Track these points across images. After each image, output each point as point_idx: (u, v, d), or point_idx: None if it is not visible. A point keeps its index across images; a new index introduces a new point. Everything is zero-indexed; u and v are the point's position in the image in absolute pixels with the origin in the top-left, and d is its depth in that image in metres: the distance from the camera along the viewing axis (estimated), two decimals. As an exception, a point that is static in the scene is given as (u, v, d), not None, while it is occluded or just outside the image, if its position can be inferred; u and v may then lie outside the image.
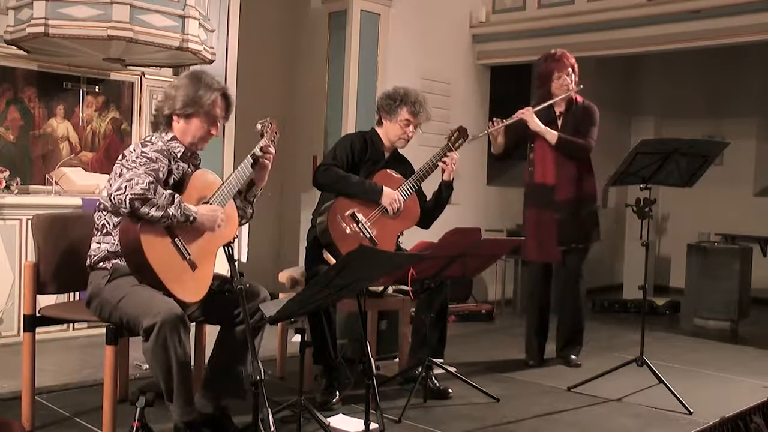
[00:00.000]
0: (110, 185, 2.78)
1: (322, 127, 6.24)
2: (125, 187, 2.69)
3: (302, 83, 6.49)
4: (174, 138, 3.00)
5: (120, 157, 2.89)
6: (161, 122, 3.02)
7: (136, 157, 2.83)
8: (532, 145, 4.51)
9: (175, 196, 2.77)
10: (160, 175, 2.84)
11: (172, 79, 5.19)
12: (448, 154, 3.92)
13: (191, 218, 2.80)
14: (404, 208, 3.83)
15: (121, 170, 2.80)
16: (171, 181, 2.93)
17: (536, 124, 4.38)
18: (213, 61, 4.81)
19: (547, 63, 4.47)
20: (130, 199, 2.67)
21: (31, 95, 4.72)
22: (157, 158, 2.86)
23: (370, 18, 6.18)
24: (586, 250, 4.58)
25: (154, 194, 2.70)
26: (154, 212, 2.69)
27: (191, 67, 4.88)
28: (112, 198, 2.72)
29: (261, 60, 6.19)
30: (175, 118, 2.99)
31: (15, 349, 3.83)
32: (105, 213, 2.91)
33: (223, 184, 3.01)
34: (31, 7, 4.14)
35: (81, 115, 4.93)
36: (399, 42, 6.42)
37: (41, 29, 4.10)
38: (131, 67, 4.94)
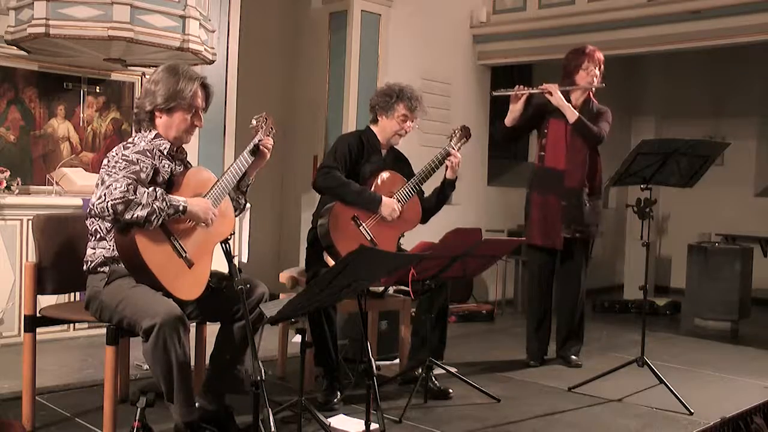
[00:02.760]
0: (95, 194, 2.77)
1: (322, 128, 6.24)
2: (105, 195, 2.68)
3: (303, 83, 6.49)
4: (158, 135, 2.98)
5: (104, 162, 2.86)
6: (143, 119, 3.00)
7: (116, 162, 2.81)
8: (546, 130, 4.54)
9: (158, 190, 2.75)
10: (142, 176, 2.81)
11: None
12: (451, 153, 3.92)
13: (181, 208, 2.78)
14: (404, 210, 3.83)
15: (103, 178, 2.80)
16: (159, 179, 2.91)
17: (559, 97, 4.42)
18: (213, 62, 4.81)
19: (577, 55, 4.53)
20: (111, 205, 2.66)
21: (32, 95, 4.72)
22: (137, 159, 2.83)
23: (371, 18, 6.19)
24: (587, 245, 4.59)
25: (135, 194, 2.69)
26: (139, 212, 2.67)
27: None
28: (95, 208, 2.72)
29: (261, 60, 6.19)
30: (157, 113, 2.96)
31: (15, 350, 3.83)
32: (96, 218, 2.89)
33: (218, 180, 3.00)
34: (31, 7, 4.14)
35: (81, 115, 4.93)
36: (399, 42, 6.42)
37: (42, 29, 4.10)
38: (132, 68, 4.94)
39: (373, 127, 3.95)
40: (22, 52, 4.50)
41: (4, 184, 4.34)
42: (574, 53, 4.55)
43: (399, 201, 3.80)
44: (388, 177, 3.85)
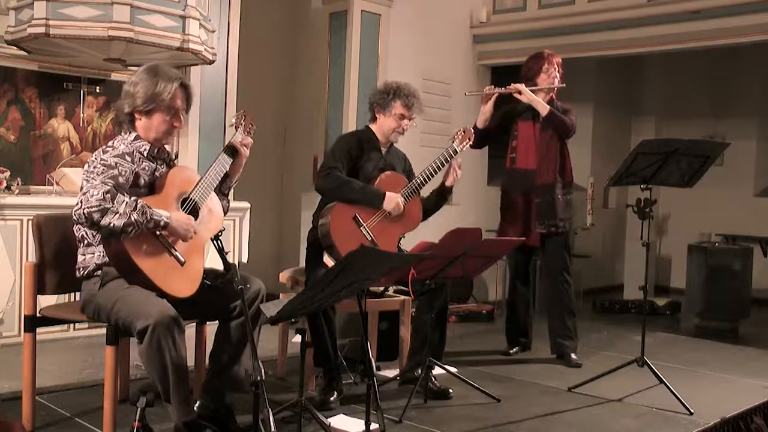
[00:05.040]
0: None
1: (322, 128, 6.24)
2: (81, 202, 2.67)
3: (303, 84, 6.49)
4: (137, 137, 2.96)
5: (85, 167, 2.85)
6: (123, 121, 2.99)
7: (94, 167, 2.79)
8: (515, 133, 4.67)
9: (139, 202, 2.72)
10: (121, 180, 2.80)
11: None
12: (453, 156, 3.94)
13: (162, 223, 2.76)
14: (406, 211, 3.83)
15: (82, 183, 2.78)
16: (141, 182, 2.90)
17: (529, 94, 4.53)
18: (213, 62, 4.81)
19: (535, 60, 4.68)
20: (87, 212, 2.65)
21: (32, 95, 4.72)
22: (116, 163, 2.82)
23: (371, 18, 6.19)
24: (565, 238, 4.64)
25: (112, 202, 2.67)
26: (115, 221, 2.65)
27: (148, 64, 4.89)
28: (74, 214, 2.70)
29: (261, 60, 6.19)
30: (136, 115, 2.95)
31: (15, 350, 3.83)
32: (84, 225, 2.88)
33: (202, 178, 2.99)
34: (31, 7, 4.14)
35: (81, 115, 4.93)
36: (399, 42, 6.42)
37: (42, 30, 4.10)
38: (132, 68, 4.93)
39: (372, 126, 3.95)
40: (22, 52, 4.50)
41: (4, 184, 4.34)
42: (534, 58, 4.70)
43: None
44: (390, 178, 3.85)
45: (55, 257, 3.08)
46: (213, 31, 4.86)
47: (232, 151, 3.09)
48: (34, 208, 4.05)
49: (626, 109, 8.77)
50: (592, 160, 7.96)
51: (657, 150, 3.84)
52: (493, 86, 4.60)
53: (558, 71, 4.63)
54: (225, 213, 3.25)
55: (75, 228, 2.93)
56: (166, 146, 3.07)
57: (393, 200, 3.75)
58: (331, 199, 3.74)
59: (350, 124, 6.02)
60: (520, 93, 4.53)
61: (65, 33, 4.14)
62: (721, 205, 8.03)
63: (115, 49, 4.38)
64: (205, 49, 4.58)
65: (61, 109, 4.85)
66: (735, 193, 8.08)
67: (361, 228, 3.71)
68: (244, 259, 5.26)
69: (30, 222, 3.51)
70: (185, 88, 3.01)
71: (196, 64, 4.87)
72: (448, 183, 3.99)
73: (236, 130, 3.12)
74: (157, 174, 2.96)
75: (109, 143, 2.96)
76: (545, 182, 4.56)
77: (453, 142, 4.02)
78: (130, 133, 2.98)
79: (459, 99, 7.04)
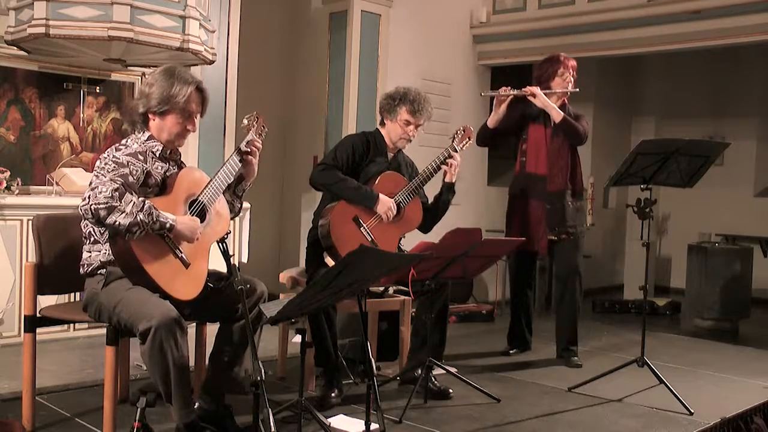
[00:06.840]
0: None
1: (322, 128, 6.24)
2: (89, 197, 2.69)
3: (303, 83, 6.49)
4: (151, 137, 2.97)
5: (96, 163, 2.86)
6: (137, 121, 2.99)
7: (105, 164, 2.80)
8: (525, 136, 4.62)
9: (146, 203, 2.72)
10: (131, 179, 2.80)
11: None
12: (451, 155, 3.91)
13: (168, 225, 2.76)
14: (405, 212, 3.83)
15: (92, 179, 2.79)
16: (151, 181, 2.90)
17: (544, 99, 4.47)
18: (213, 62, 4.81)
19: (551, 63, 4.60)
20: (94, 209, 2.66)
21: (32, 96, 4.72)
22: (128, 162, 2.83)
23: (371, 18, 6.19)
24: (576, 244, 4.60)
25: (120, 201, 2.67)
26: (121, 219, 2.66)
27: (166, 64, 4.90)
28: (80, 209, 2.71)
29: (261, 60, 6.19)
30: (150, 115, 2.96)
31: (15, 350, 3.84)
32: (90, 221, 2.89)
33: (211, 180, 2.99)
34: (31, 7, 4.14)
35: (81, 115, 4.93)
36: (399, 42, 6.42)
37: (42, 30, 4.10)
38: (132, 68, 4.95)
39: (381, 130, 3.94)
40: (22, 52, 4.50)
41: (4, 184, 4.34)
42: (549, 61, 4.62)
43: (400, 202, 3.80)
44: (389, 177, 3.85)
45: (55, 257, 3.08)
46: (213, 31, 4.86)
47: (242, 153, 3.09)
48: (34, 208, 4.05)
49: (626, 109, 8.77)
50: (592, 160, 7.96)
51: (657, 150, 3.84)
52: (509, 87, 4.51)
53: (573, 75, 4.57)
54: (237, 215, 3.25)
55: (82, 224, 2.93)
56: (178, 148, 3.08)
57: (385, 204, 3.72)
58: (330, 199, 3.74)
59: (350, 124, 6.03)
60: (534, 96, 4.46)
61: (65, 33, 4.14)
62: (721, 205, 8.03)
63: (115, 50, 4.38)
64: (205, 49, 4.58)
65: (61, 109, 4.85)
66: (735, 193, 8.08)
67: (362, 228, 3.71)
68: (245, 260, 5.26)
69: (30, 222, 3.51)
70: (201, 91, 3.02)
71: (196, 64, 4.87)
72: (447, 179, 3.96)
73: (248, 132, 3.12)
74: (167, 175, 2.97)
75: (123, 141, 2.97)
76: (556, 189, 4.49)
77: (453, 141, 4.00)
78: (143, 132, 2.98)
79: (459, 99, 7.05)
